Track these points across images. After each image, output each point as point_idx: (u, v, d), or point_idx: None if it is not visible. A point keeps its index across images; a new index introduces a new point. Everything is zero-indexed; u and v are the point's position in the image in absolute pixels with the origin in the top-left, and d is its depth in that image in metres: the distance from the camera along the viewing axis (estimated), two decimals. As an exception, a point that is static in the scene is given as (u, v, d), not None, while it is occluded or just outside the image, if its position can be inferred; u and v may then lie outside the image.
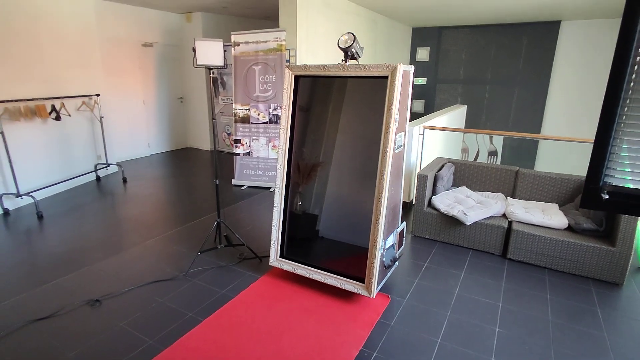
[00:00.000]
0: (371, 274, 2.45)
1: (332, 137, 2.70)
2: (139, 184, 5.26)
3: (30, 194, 4.25)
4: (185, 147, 7.81)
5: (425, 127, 4.50)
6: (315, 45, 5.42)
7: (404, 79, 2.40)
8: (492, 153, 8.36)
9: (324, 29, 5.53)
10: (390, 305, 2.57)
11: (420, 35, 9.04)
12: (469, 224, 3.29)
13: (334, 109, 2.69)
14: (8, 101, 4.15)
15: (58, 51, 4.77)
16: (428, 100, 9.32)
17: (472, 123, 8.75)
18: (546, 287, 2.81)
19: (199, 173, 5.89)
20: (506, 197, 3.69)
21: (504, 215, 3.39)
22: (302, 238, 2.85)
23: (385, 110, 2.36)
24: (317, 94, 2.74)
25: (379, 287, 2.60)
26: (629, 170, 1.04)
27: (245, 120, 5.06)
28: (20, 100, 4.28)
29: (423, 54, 9.13)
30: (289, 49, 5.03)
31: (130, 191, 4.96)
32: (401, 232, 2.86)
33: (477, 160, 7.87)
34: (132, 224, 3.88)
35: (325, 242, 2.77)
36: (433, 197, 3.62)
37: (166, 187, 5.19)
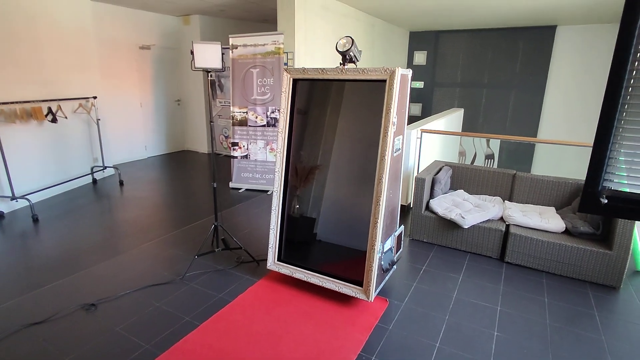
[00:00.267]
0: (369, 277, 2.44)
1: (329, 140, 2.70)
2: (135, 187, 5.23)
3: (26, 196, 4.22)
4: (182, 150, 7.79)
5: (423, 131, 4.51)
6: (313, 49, 5.44)
7: (402, 83, 2.40)
8: (489, 156, 8.40)
9: (322, 32, 5.54)
10: (388, 308, 2.56)
11: (418, 39, 9.09)
12: (466, 227, 3.29)
13: (331, 112, 2.69)
14: (3, 103, 4.12)
15: (55, 53, 4.75)
16: (425, 103, 9.35)
17: (469, 126, 8.78)
18: (544, 291, 2.81)
19: (196, 176, 5.87)
20: (503, 201, 3.70)
21: (501, 219, 3.39)
22: (299, 241, 2.84)
23: (384, 113, 2.37)
24: (314, 97, 2.74)
25: (377, 290, 2.60)
26: (628, 174, 1.04)
27: (243, 123, 5.06)
28: (16, 102, 4.25)
29: (420, 57, 9.17)
30: (287, 52, 5.04)
31: (127, 194, 4.93)
32: (399, 236, 2.86)
33: (474, 164, 7.90)
34: (128, 227, 3.85)
35: (323, 245, 2.76)
36: (431, 200, 3.63)
37: (163, 190, 5.16)
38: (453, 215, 3.34)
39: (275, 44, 4.76)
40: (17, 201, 4.29)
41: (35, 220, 4.01)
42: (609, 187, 1.08)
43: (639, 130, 1.04)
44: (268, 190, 5.09)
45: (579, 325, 2.43)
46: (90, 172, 5.36)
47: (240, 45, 4.91)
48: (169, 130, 7.47)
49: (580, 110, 7.87)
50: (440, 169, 3.89)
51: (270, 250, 2.85)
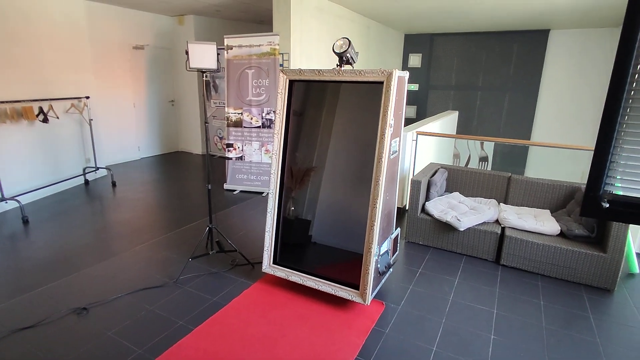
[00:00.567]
0: (366, 280, 2.43)
1: (325, 141, 2.68)
2: (128, 188, 5.17)
3: (16, 197, 4.14)
4: (176, 151, 7.72)
5: (419, 133, 4.51)
6: (309, 50, 5.42)
7: (399, 85, 2.39)
8: (483, 159, 8.44)
9: (317, 33, 5.53)
10: (384, 312, 2.55)
11: (413, 42, 9.12)
12: (462, 229, 3.29)
13: (327, 114, 2.67)
14: (-6, 103, 4.05)
15: (47, 52, 4.68)
16: (420, 106, 9.39)
17: (464, 129, 8.83)
18: (539, 293, 2.81)
19: (190, 177, 5.82)
20: (499, 203, 3.71)
21: (496, 221, 3.40)
22: (295, 244, 2.81)
23: (381, 115, 2.35)
24: (310, 99, 2.72)
25: (374, 293, 2.58)
26: (630, 178, 1.03)
27: (238, 124, 5.02)
28: (7, 102, 4.18)
29: (415, 60, 9.20)
30: (282, 53, 5.02)
31: (120, 195, 4.87)
32: (395, 238, 2.85)
33: (469, 166, 7.94)
34: (121, 229, 3.80)
35: (319, 247, 2.74)
36: (426, 202, 3.62)
37: (156, 191, 5.11)
38: (449, 217, 3.34)
39: (271, 44, 4.74)
40: (6, 202, 4.20)
41: (26, 222, 3.94)
42: (610, 191, 1.08)
43: (641, 134, 1.03)
44: (263, 192, 5.05)
45: (574, 328, 2.43)
46: (82, 173, 5.28)
47: (235, 46, 4.88)
48: (162, 131, 7.40)
49: (573, 114, 7.94)
50: (435, 172, 3.89)
51: (265, 252, 2.82)
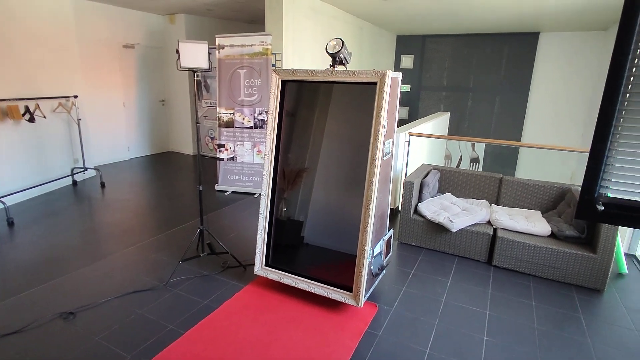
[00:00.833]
0: (359, 282, 2.41)
1: (317, 142, 2.66)
2: (117, 189, 5.08)
3: (1, 199, 4.04)
4: (167, 151, 7.63)
5: (411, 134, 4.51)
6: (302, 50, 5.40)
7: (392, 86, 2.38)
8: (474, 160, 8.50)
9: (310, 33, 5.51)
10: (377, 314, 2.53)
11: (405, 43, 9.15)
12: (454, 230, 3.30)
13: (319, 115, 2.65)
14: (-22, 101, 3.95)
15: (33, 50, 4.58)
16: (412, 107, 9.42)
17: (455, 130, 8.88)
18: (531, 294, 2.83)
19: (181, 178, 5.75)
20: (490, 204, 3.73)
21: (488, 222, 3.41)
22: (287, 245, 2.78)
23: (374, 117, 2.34)
24: (302, 99, 2.70)
25: (367, 295, 2.56)
26: (625, 181, 1.03)
27: (230, 124, 4.98)
28: (-8, 100, 4.08)
29: (407, 61, 9.24)
30: (274, 53, 4.98)
31: (109, 196, 4.79)
32: (388, 240, 2.84)
33: (460, 167, 7.98)
34: (110, 231, 3.73)
35: (311, 249, 2.71)
36: (419, 203, 3.62)
37: (146, 192, 5.03)
38: (441, 218, 3.34)
39: (263, 44, 4.70)
40: (-9, 204, 4.10)
41: (11, 224, 3.84)
42: (605, 193, 1.07)
43: (637, 137, 1.03)
44: (255, 193, 5.01)
45: (566, 328, 2.45)
46: (70, 173, 5.19)
47: (227, 46, 4.84)
48: (153, 131, 7.30)
49: (562, 115, 8.05)
50: (428, 173, 3.89)
51: (257, 255, 2.79)
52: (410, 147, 4.51)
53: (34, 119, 4.51)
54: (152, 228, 3.83)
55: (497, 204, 3.76)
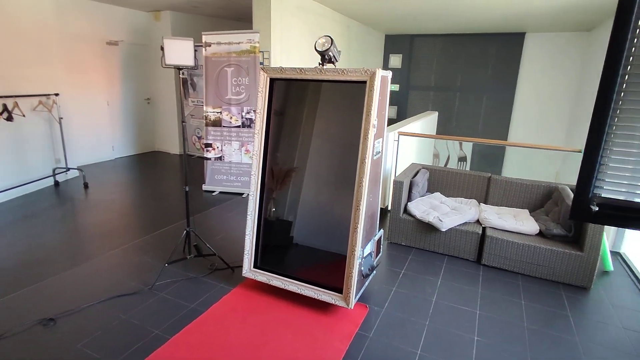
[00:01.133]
0: (349, 284, 2.38)
1: (306, 141, 2.62)
2: (101, 189, 4.95)
3: (-23, 201, 3.89)
4: (152, 151, 7.48)
5: (400, 134, 4.51)
6: (289, 48, 5.34)
7: (382, 85, 2.36)
8: (462, 159, 8.57)
9: (298, 31, 5.46)
10: (368, 315, 2.51)
11: (393, 42, 9.17)
12: (444, 230, 3.29)
13: (308, 113, 2.61)
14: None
15: (11, 46, 4.42)
16: (401, 106, 9.45)
17: (443, 129, 8.94)
18: (520, 293, 2.84)
19: (167, 178, 5.64)
20: (479, 203, 3.74)
21: (477, 222, 3.42)
22: (276, 245, 2.74)
23: (364, 116, 2.31)
24: (291, 98, 2.65)
25: (357, 297, 2.54)
26: (619, 181, 1.01)
27: (217, 123, 4.89)
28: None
29: (396, 60, 9.25)
30: (262, 51, 4.92)
31: (92, 197, 4.66)
32: (379, 240, 2.81)
33: (448, 166, 8.04)
34: (92, 233, 3.62)
35: (301, 249, 2.67)
36: (409, 203, 3.61)
37: (131, 192, 4.91)
38: (431, 218, 3.34)
39: (251, 42, 4.63)
40: (-33, 206, 3.95)
41: (-12, 226, 3.70)
42: (599, 194, 1.05)
43: (631, 136, 1.01)
44: (243, 193, 4.94)
45: (555, 327, 2.46)
46: (52, 174, 5.03)
47: (213, 43, 4.75)
48: (138, 130, 7.15)
49: (548, 114, 8.17)
50: (417, 172, 3.89)
51: (246, 256, 2.73)
52: (399, 147, 4.50)
53: (12, 118, 4.35)
54: (137, 230, 3.73)
55: (485, 203, 3.77)
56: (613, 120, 1.01)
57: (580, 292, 2.90)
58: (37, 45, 4.73)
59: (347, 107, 2.48)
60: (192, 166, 6.29)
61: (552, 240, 3.10)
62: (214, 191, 5.01)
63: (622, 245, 3.56)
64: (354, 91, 2.40)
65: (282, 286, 2.60)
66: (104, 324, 2.33)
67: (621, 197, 1.03)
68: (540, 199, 3.56)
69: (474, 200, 3.76)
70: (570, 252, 2.93)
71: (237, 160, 4.93)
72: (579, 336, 2.38)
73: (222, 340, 2.21)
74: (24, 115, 4.57)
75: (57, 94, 5.01)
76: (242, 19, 7.61)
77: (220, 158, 4.96)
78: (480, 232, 3.26)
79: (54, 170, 5.06)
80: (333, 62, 2.51)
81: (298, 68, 2.49)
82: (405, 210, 3.61)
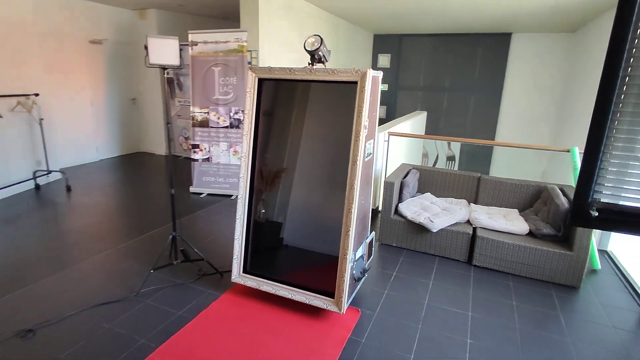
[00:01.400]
0: (341, 288, 2.33)
1: (296, 142, 2.57)
2: (84, 193, 4.81)
3: (-48, 205, 3.73)
4: (137, 152, 7.32)
5: (390, 134, 4.49)
6: (277, 47, 5.27)
7: (373, 85, 2.32)
8: (451, 158, 8.62)
9: (286, 31, 5.40)
10: (360, 319, 2.47)
11: (382, 42, 9.17)
12: (435, 231, 3.28)
13: (298, 114, 2.56)
14: None
15: (-12, 45, 4.25)
16: (389, 106, 9.46)
17: (432, 129, 8.98)
18: (511, 294, 2.84)
19: (153, 180, 5.51)
20: (469, 203, 3.74)
21: (468, 222, 3.42)
22: (266, 248, 2.68)
23: (355, 117, 2.27)
24: (280, 98, 2.60)
25: (349, 301, 2.49)
26: (620, 185, 0.99)
27: (204, 124, 4.80)
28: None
29: (384, 60, 9.26)
30: (250, 51, 4.84)
31: (75, 200, 4.51)
32: (370, 242, 2.78)
33: (436, 165, 8.08)
34: (75, 238, 3.50)
35: (291, 251, 2.62)
36: (399, 204, 3.59)
37: (116, 195, 4.78)
38: (422, 219, 3.32)
39: (238, 41, 4.55)
40: (-59, 211, 3.78)
41: (-36, 232, 3.55)
42: (599, 199, 1.03)
43: (632, 140, 0.98)
44: (232, 195, 4.86)
45: (546, 327, 2.46)
46: (32, 177, 4.86)
47: (200, 42, 4.65)
48: (123, 130, 6.99)
49: (534, 114, 8.27)
50: (408, 172, 3.87)
51: (235, 261, 2.67)
52: (389, 147, 4.48)
53: (-10, 119, 4.19)
54: (122, 234, 3.62)
55: (475, 203, 3.77)
56: (613, 123, 0.99)
57: (570, 291, 2.91)
58: (13, 43, 4.56)
59: (337, 107, 2.44)
60: (179, 168, 6.17)
61: (541, 240, 3.11)
62: (201, 193, 4.91)
63: (608, 244, 3.60)
64: (345, 92, 2.36)
65: (273, 291, 2.54)
66: (86, 334, 2.23)
67: (621, 202, 1.00)
68: (529, 199, 3.57)
69: (464, 201, 3.76)
70: (559, 252, 2.94)
71: (226, 161, 4.84)
72: (570, 336, 2.38)
73: (210, 348, 2.15)
74: (1, 117, 4.40)
75: (36, 94, 4.85)
76: (229, 18, 7.51)
77: (208, 159, 4.87)
78: (471, 232, 3.26)
79: (34, 173, 4.90)
80: (323, 62, 2.46)
81: (287, 68, 2.43)
82: (396, 211, 3.58)
